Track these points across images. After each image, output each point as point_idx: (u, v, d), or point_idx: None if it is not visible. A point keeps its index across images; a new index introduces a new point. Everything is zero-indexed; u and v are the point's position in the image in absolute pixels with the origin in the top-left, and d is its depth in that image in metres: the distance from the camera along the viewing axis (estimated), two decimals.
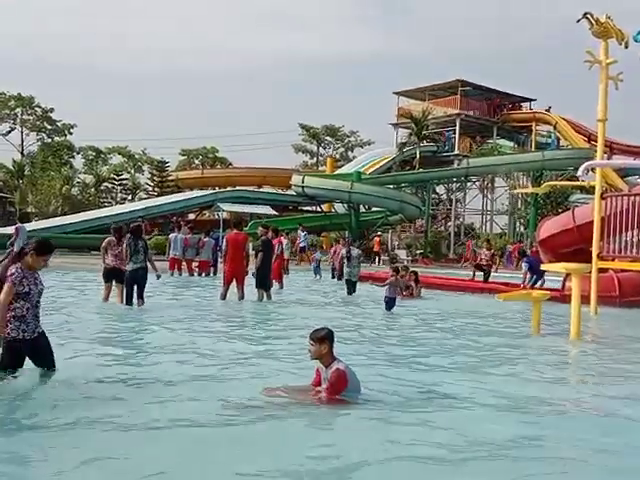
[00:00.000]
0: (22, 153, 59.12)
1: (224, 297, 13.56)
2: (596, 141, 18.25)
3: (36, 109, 58.97)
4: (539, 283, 17.46)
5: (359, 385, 5.73)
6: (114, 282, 12.14)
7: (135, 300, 11.79)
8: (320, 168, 59.22)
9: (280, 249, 17.22)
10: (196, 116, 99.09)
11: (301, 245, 30.70)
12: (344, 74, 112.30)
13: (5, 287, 5.78)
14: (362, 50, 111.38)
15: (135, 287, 11.84)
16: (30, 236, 16.91)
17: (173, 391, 5.88)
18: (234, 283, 13.57)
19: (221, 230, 31.40)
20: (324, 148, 67.74)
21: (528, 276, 17.64)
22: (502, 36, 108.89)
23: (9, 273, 5.84)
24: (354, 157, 58.49)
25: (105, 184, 56.52)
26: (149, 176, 54.47)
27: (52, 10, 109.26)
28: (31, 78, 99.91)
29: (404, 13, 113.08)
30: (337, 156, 62.47)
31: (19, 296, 5.85)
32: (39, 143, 60.12)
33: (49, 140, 60.33)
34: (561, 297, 14.29)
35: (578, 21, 13.32)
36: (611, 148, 42.12)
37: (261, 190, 47.18)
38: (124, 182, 57.25)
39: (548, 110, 46.55)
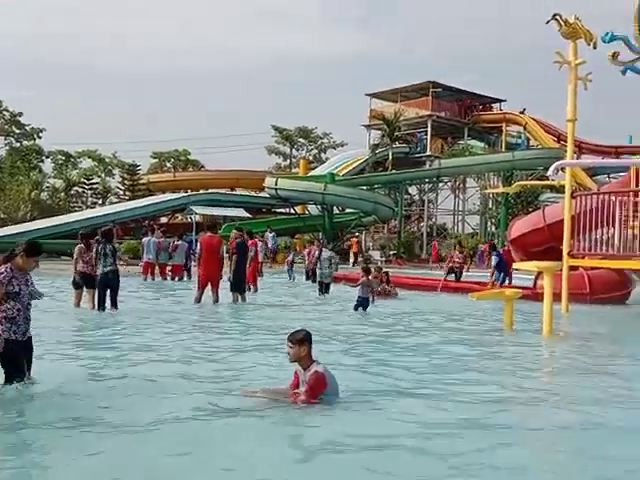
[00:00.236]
0: None
1: (199, 301, 13.46)
2: (566, 141, 18.54)
3: (4, 113, 57.93)
4: (506, 281, 17.66)
5: (337, 388, 5.73)
6: (85, 288, 12.01)
7: (108, 305, 11.67)
8: (293, 170, 59.03)
9: (254, 251, 17.14)
10: (196, 116, 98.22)
11: (270, 246, 30.61)
12: (314, 75, 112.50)
13: None
14: (334, 51, 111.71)
15: (108, 291, 11.73)
16: None
17: (150, 392, 5.89)
18: (209, 287, 13.50)
19: (194, 233, 31.20)
20: (297, 150, 67.65)
21: (495, 274, 17.83)
22: (502, 36, 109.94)
23: None
24: (327, 159, 58.45)
25: (75, 188, 55.56)
26: (120, 180, 53.85)
27: (52, 10, 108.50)
28: (31, 78, 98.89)
29: (387, 13, 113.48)
30: (310, 158, 62.38)
31: (9, 296, 5.79)
32: (7, 147, 59.06)
33: (17, 144, 59.29)
34: (533, 295, 14.49)
35: (547, 22, 13.51)
36: (580, 148, 42.76)
37: (234, 193, 46.88)
38: (94, 186, 56.45)
39: (522, 112, 47.02)
